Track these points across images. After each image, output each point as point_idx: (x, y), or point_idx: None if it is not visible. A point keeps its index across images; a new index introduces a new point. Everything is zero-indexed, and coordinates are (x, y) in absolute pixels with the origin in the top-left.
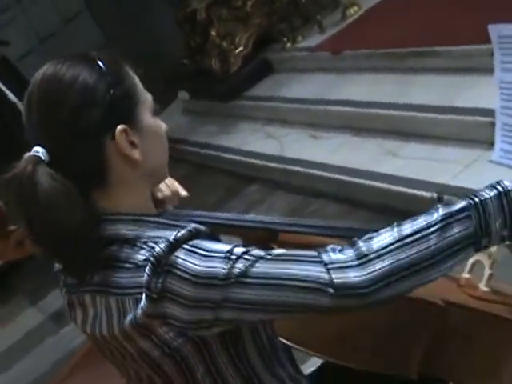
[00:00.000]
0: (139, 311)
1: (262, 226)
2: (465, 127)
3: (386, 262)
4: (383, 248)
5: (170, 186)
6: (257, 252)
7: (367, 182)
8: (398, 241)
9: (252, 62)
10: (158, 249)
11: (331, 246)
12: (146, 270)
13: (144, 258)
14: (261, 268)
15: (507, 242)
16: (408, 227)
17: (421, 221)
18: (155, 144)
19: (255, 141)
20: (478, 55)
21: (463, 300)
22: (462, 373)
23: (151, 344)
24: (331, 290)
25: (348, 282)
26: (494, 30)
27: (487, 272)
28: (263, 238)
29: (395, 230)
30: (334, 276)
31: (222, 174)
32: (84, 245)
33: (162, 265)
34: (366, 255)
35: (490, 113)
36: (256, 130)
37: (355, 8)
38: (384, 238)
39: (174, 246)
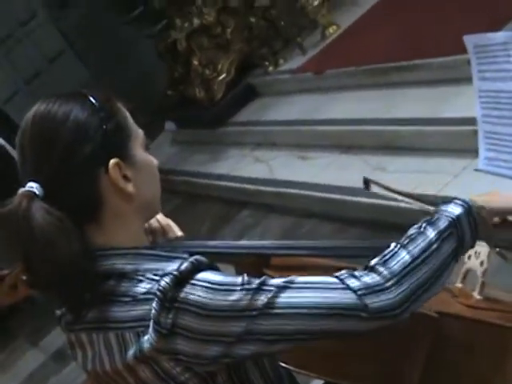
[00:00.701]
0: (146, 345)
1: (254, 252)
2: (451, 137)
3: (409, 282)
4: (403, 269)
5: (160, 220)
6: (275, 281)
7: (358, 199)
8: (412, 261)
9: (236, 87)
10: (163, 283)
11: (345, 271)
12: (154, 304)
13: (144, 290)
14: (287, 298)
15: (497, 249)
16: (413, 247)
17: (420, 241)
18: (148, 178)
19: (245, 166)
20: (457, 65)
21: (458, 310)
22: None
23: (155, 377)
24: (366, 315)
25: (383, 306)
26: (470, 40)
27: (480, 280)
28: (255, 263)
29: (403, 251)
30: (367, 301)
31: (213, 201)
32: (81, 280)
33: (170, 300)
34: (391, 278)
35: (474, 121)
36: (245, 155)
37: (334, 27)
38: (398, 260)
39: (180, 279)
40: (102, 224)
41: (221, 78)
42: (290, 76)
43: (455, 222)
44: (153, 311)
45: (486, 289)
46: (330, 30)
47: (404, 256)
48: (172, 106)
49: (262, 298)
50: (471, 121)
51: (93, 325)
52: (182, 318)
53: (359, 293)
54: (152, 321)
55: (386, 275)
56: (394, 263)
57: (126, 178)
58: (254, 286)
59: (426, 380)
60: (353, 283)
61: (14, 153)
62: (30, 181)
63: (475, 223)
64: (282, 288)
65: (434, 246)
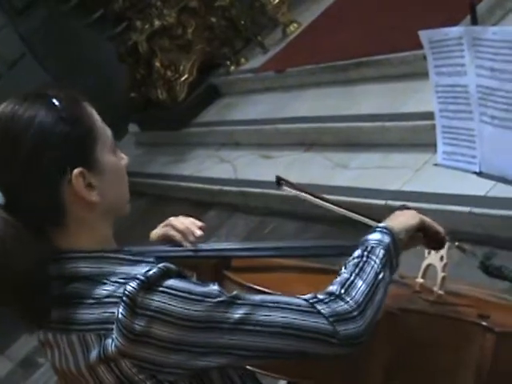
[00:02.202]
0: (112, 348)
1: (215, 255)
2: (412, 132)
3: (370, 310)
4: (364, 298)
5: (178, 225)
6: (248, 297)
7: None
8: (369, 290)
9: (198, 88)
10: (129, 287)
11: (310, 295)
12: (120, 309)
13: (108, 293)
14: (259, 316)
15: (456, 243)
16: (366, 276)
17: (369, 269)
18: (114, 182)
19: (209, 166)
20: (416, 60)
21: (420, 306)
22: (427, 379)
23: (116, 381)
24: (336, 341)
25: (352, 334)
26: (425, 35)
27: (440, 275)
28: (215, 265)
29: (359, 280)
30: (338, 328)
31: (179, 202)
32: (36, 287)
33: (140, 306)
34: (357, 307)
35: (434, 116)
36: (209, 156)
37: (294, 25)
38: (357, 289)
39: (148, 285)
40: (65, 228)
41: (183, 78)
42: (252, 75)
43: (388, 249)
44: (119, 315)
45: (447, 283)
46: (291, 28)
47: (361, 285)
48: (135, 108)
49: (237, 313)
50: (431, 115)
51: (58, 325)
52: (152, 326)
53: (331, 319)
54: (118, 324)
55: (353, 305)
56: (354, 292)
57: (90, 186)
58: (226, 299)
59: (391, 376)
60: (323, 309)
61: None
62: None
63: (398, 248)
64: (256, 306)
65: (380, 274)
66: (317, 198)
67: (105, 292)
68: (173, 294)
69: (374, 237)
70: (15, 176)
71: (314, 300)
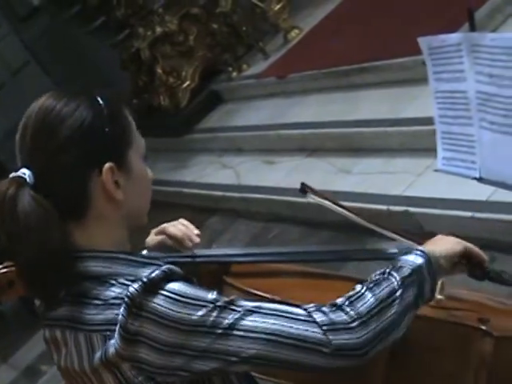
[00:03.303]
0: (111, 349)
1: (215, 261)
2: (414, 137)
3: (375, 324)
4: (369, 311)
5: (175, 233)
6: (244, 303)
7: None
8: (378, 305)
9: (200, 94)
10: (131, 289)
11: (312, 305)
12: (121, 310)
13: (115, 294)
14: (253, 321)
15: None
16: (379, 291)
17: (385, 285)
18: (139, 189)
19: (212, 172)
20: (416, 66)
21: (421, 310)
22: (426, 383)
23: (116, 383)
24: (327, 351)
25: (346, 344)
26: (424, 42)
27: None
28: (215, 270)
29: (369, 293)
30: (331, 337)
31: (181, 208)
32: (57, 271)
33: (138, 307)
34: (357, 319)
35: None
36: (212, 162)
37: (296, 31)
38: (364, 302)
39: (149, 287)
40: (84, 224)
41: (185, 85)
42: (253, 81)
43: (417, 270)
44: (120, 316)
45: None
46: (293, 34)
47: (370, 299)
48: (137, 114)
49: (229, 318)
50: (432, 120)
51: (66, 322)
52: (147, 327)
53: (324, 328)
54: (118, 325)
55: (353, 315)
56: (360, 305)
57: (116, 184)
58: (222, 304)
59: (391, 381)
60: (319, 318)
61: None
62: (23, 167)
63: (434, 273)
64: (248, 311)
65: (399, 291)
66: (343, 208)
67: (112, 293)
68: (171, 298)
69: (407, 257)
70: (47, 159)
71: (313, 309)
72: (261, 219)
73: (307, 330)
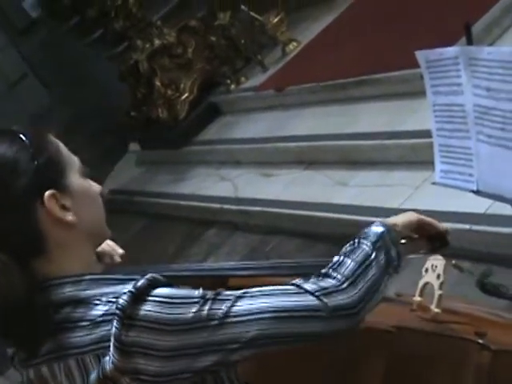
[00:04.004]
0: (108, 365)
1: (213, 274)
2: (411, 150)
3: (363, 282)
4: (354, 272)
5: (103, 246)
6: (231, 292)
7: (322, 214)
8: (359, 266)
9: (199, 106)
10: (121, 301)
11: (298, 279)
12: (114, 323)
13: (102, 312)
14: (246, 305)
15: (453, 262)
16: (356, 256)
17: (359, 251)
18: (88, 204)
19: (210, 185)
20: (414, 79)
21: (416, 324)
22: None
23: None
24: (325, 314)
25: (341, 304)
26: (421, 55)
27: (437, 293)
28: (211, 284)
29: (348, 259)
30: (326, 300)
31: (180, 221)
32: (30, 316)
33: (130, 317)
34: (346, 280)
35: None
36: (210, 174)
37: (294, 44)
38: (346, 266)
39: (137, 296)
40: (49, 255)
41: (183, 97)
42: (252, 94)
43: (381, 237)
44: (113, 330)
45: (444, 301)
46: (291, 47)
47: (350, 263)
48: (135, 126)
49: (221, 308)
50: (429, 133)
51: (52, 355)
52: (143, 336)
53: (317, 294)
54: (112, 339)
55: (340, 278)
56: (343, 269)
57: (64, 207)
58: (211, 296)
59: None
60: (310, 286)
61: None
62: None
63: (395, 240)
64: (238, 297)
65: (373, 254)
66: None
67: (98, 312)
68: (159, 301)
69: (369, 228)
70: None
71: (301, 282)
72: (258, 232)
73: (301, 301)
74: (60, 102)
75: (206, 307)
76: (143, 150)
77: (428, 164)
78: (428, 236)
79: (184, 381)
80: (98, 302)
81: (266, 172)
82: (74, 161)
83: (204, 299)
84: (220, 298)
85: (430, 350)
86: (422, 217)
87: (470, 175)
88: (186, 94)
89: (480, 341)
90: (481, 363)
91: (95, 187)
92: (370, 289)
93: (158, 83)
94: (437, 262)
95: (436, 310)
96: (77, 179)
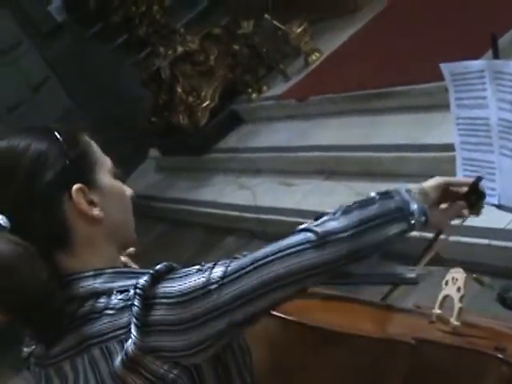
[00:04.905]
0: (131, 347)
1: None
2: (433, 163)
3: (356, 213)
4: (350, 207)
5: None
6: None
7: None
8: (358, 203)
9: (220, 114)
10: (141, 281)
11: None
12: (135, 302)
13: (121, 300)
14: (240, 261)
15: (474, 275)
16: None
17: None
18: (116, 203)
19: (229, 193)
20: (438, 92)
21: (435, 336)
22: None
23: (144, 381)
24: (315, 242)
25: (329, 230)
26: (446, 68)
27: (457, 306)
28: None
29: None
30: (317, 229)
31: (198, 228)
32: (49, 307)
33: (150, 297)
34: (338, 211)
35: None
36: (229, 182)
37: (317, 54)
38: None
39: (156, 278)
40: (72, 250)
41: (205, 104)
42: (273, 102)
43: (392, 189)
44: (134, 309)
45: (464, 314)
46: (313, 57)
47: (345, 205)
48: (156, 132)
49: (219, 271)
50: (451, 147)
51: (75, 349)
52: (157, 314)
53: (308, 227)
54: (133, 319)
55: (336, 212)
56: (339, 208)
57: (91, 203)
58: (210, 264)
59: None
60: (303, 226)
61: None
62: None
63: (416, 196)
64: (233, 258)
65: (377, 197)
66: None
67: (120, 300)
68: (172, 278)
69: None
70: (16, 198)
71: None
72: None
73: (293, 238)
74: (81, 106)
75: (206, 273)
76: (163, 156)
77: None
78: (461, 196)
79: (208, 352)
80: (118, 292)
81: (286, 181)
82: (105, 160)
83: (203, 267)
84: (218, 263)
85: (449, 362)
86: (448, 178)
87: (493, 189)
88: (208, 102)
89: (500, 355)
90: (500, 378)
91: (126, 189)
92: (366, 219)
93: (179, 90)
94: (457, 275)
95: (456, 323)
96: (107, 178)
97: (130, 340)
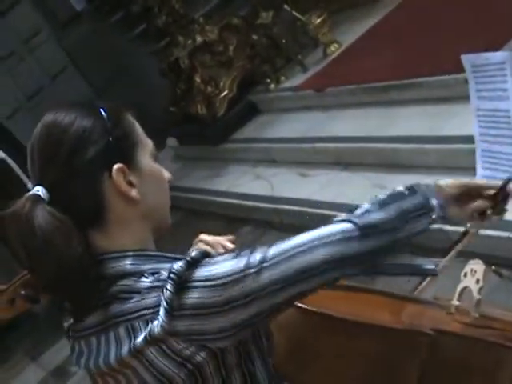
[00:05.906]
0: (157, 329)
1: None
2: (451, 155)
3: (394, 207)
4: (384, 201)
5: (209, 240)
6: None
7: None
8: (391, 196)
9: (238, 104)
10: (176, 266)
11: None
12: (168, 286)
13: (150, 281)
14: (279, 246)
15: (493, 267)
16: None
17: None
18: (155, 186)
19: (245, 182)
20: (457, 84)
21: (454, 327)
22: None
23: (168, 360)
24: (357, 233)
25: (372, 222)
26: (467, 60)
27: (476, 298)
28: None
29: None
30: (357, 221)
31: (214, 217)
32: (83, 281)
33: (185, 281)
34: (375, 204)
35: (473, 139)
36: (246, 172)
37: (335, 45)
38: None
39: (192, 264)
40: (106, 228)
41: (223, 94)
42: (291, 93)
43: (415, 185)
44: (166, 293)
45: (482, 306)
46: (332, 48)
47: (378, 198)
48: (174, 122)
49: (258, 255)
50: (470, 139)
51: (103, 325)
52: (197, 296)
53: (348, 218)
54: (164, 303)
55: (369, 205)
56: (375, 200)
57: (130, 183)
58: (247, 250)
59: None
60: (346, 216)
61: (15, 166)
62: (36, 184)
63: (430, 191)
64: (272, 243)
65: (406, 192)
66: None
67: (147, 283)
68: (207, 263)
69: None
70: (58, 172)
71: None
72: (292, 231)
73: (334, 227)
74: (100, 95)
75: (245, 258)
76: (181, 145)
77: (467, 170)
78: (487, 196)
79: (237, 337)
80: (146, 274)
81: (303, 172)
82: (147, 143)
83: (241, 253)
84: (257, 248)
85: (467, 354)
86: (469, 180)
87: None
88: (226, 92)
89: None
90: None
91: (165, 173)
92: (405, 213)
93: (198, 80)
94: (476, 266)
95: (474, 315)
96: (148, 160)
97: (157, 322)
